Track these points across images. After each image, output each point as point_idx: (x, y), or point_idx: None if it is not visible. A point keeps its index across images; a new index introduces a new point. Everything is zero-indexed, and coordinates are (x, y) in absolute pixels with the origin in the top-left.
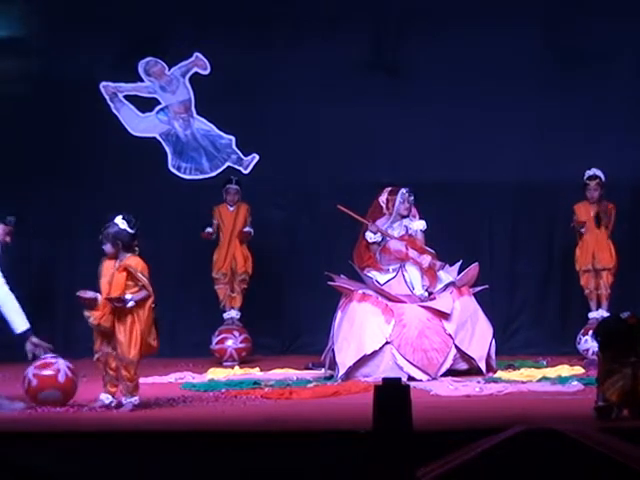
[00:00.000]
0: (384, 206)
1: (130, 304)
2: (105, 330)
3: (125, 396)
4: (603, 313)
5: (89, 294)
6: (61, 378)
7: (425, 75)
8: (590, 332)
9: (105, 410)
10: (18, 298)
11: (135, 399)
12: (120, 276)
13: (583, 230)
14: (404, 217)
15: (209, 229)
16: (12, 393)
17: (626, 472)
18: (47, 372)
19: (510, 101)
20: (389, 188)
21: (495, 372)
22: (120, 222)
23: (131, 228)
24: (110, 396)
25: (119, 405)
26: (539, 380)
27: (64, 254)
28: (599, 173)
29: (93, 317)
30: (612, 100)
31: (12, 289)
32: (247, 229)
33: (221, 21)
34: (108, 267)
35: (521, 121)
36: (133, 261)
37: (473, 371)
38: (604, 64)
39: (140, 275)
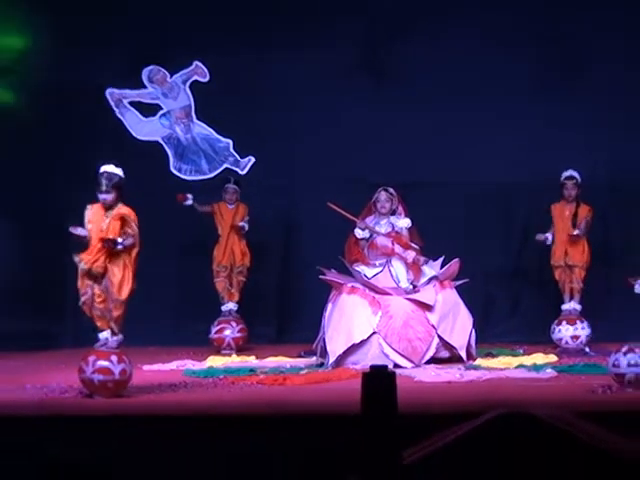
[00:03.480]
0: (372, 205)
1: (119, 247)
2: (96, 274)
3: (112, 335)
4: (575, 305)
5: (79, 230)
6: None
7: (413, 78)
8: (563, 322)
9: (105, 347)
10: (28, 291)
11: (120, 337)
12: (115, 223)
13: (548, 243)
14: (392, 215)
15: (189, 196)
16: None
17: (595, 453)
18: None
19: (493, 106)
20: (380, 188)
21: (475, 360)
22: (117, 170)
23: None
24: (107, 332)
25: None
26: (516, 367)
27: (71, 250)
28: (575, 174)
29: (84, 262)
30: (588, 107)
31: (23, 283)
32: (241, 224)
33: (219, 32)
34: (97, 214)
35: (503, 125)
36: (127, 210)
37: (454, 359)
38: (584, 73)
39: (133, 224)
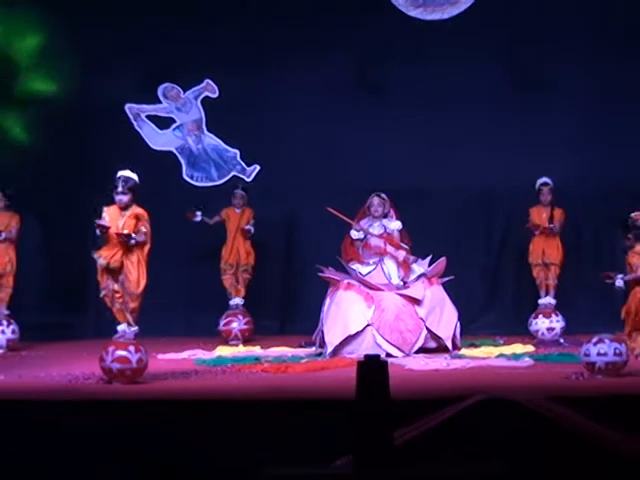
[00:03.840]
0: (366, 209)
1: (132, 242)
2: (113, 269)
3: (129, 326)
4: (551, 300)
5: (103, 221)
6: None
7: (402, 95)
8: (540, 316)
9: (123, 339)
10: (54, 288)
11: (136, 328)
12: (131, 221)
13: (537, 232)
14: (384, 218)
15: (198, 213)
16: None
17: (566, 434)
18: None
19: (474, 119)
20: (373, 194)
21: (460, 350)
22: (133, 175)
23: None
24: (124, 324)
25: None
26: (497, 356)
27: (91, 250)
28: (549, 180)
29: (102, 257)
30: (560, 120)
31: (49, 281)
32: (247, 227)
33: (227, 52)
34: (114, 214)
35: (484, 136)
36: (141, 210)
37: (441, 349)
38: (552, 89)
39: (146, 223)
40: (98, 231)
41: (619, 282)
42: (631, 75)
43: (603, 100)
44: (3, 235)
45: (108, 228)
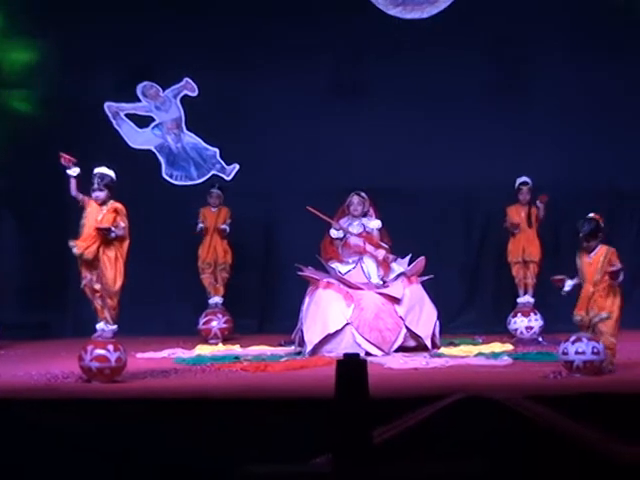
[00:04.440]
0: (346, 207)
1: (112, 235)
2: (87, 260)
3: (107, 323)
4: (529, 299)
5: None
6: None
7: (380, 96)
8: (518, 314)
9: (101, 337)
10: (33, 287)
11: (115, 327)
12: (110, 215)
13: (517, 231)
14: (363, 217)
15: (201, 226)
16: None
17: (544, 432)
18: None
19: (455, 119)
20: (353, 192)
21: (439, 348)
22: (109, 172)
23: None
24: (103, 323)
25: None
26: (475, 355)
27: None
28: (529, 180)
29: (77, 247)
30: (539, 120)
31: (28, 279)
32: (223, 227)
33: (207, 52)
34: (92, 212)
35: (463, 135)
36: (119, 205)
37: (420, 348)
38: (531, 89)
39: (124, 218)
40: (62, 161)
41: (568, 287)
42: (612, 77)
43: (583, 101)
44: None
45: (75, 163)
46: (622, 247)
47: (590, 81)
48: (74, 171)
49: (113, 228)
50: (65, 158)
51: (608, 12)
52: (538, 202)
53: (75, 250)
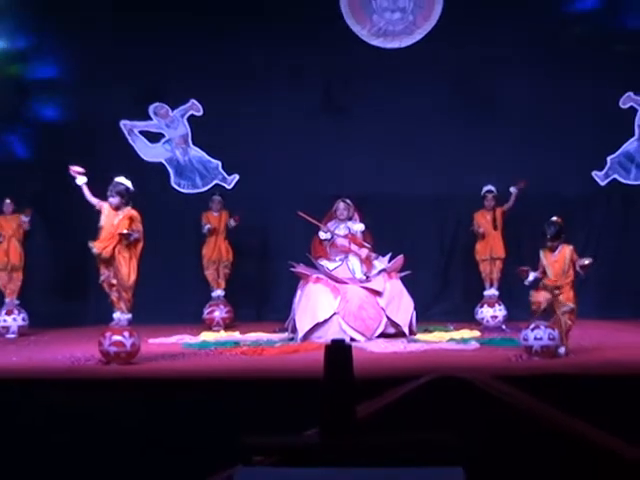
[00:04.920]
0: (333, 212)
1: (131, 238)
2: (104, 259)
3: (123, 313)
4: (494, 291)
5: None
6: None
7: (365, 113)
8: (485, 305)
9: (118, 325)
10: (59, 280)
11: (130, 316)
12: (125, 222)
13: (482, 233)
14: (349, 220)
15: (209, 226)
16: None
17: (508, 407)
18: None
19: (427, 135)
20: (339, 199)
21: (415, 335)
22: (126, 181)
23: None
24: (119, 312)
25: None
26: (447, 341)
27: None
28: (493, 188)
29: (95, 247)
30: (501, 135)
31: (55, 274)
32: (230, 221)
33: (211, 76)
34: (109, 216)
35: (436, 149)
36: (135, 213)
37: (399, 334)
38: (494, 108)
39: (139, 223)
40: (71, 173)
41: (531, 278)
42: (562, 96)
43: (539, 117)
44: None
45: (83, 173)
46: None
47: (544, 98)
48: (80, 180)
49: (132, 233)
50: (73, 170)
51: (556, 41)
52: (513, 188)
53: (94, 250)
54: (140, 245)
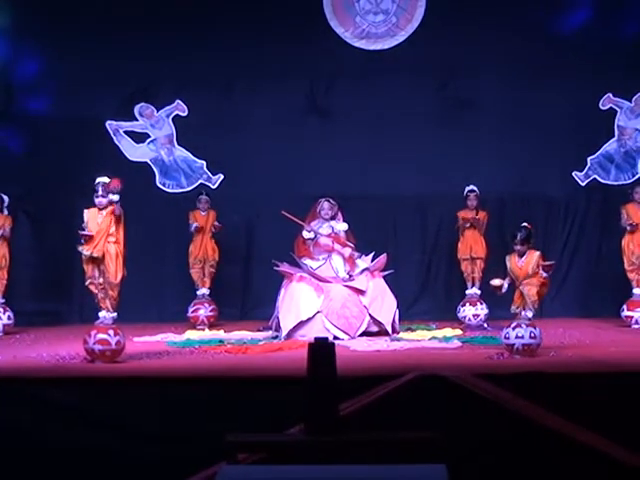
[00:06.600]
0: (317, 212)
1: (117, 212)
2: (96, 258)
3: (108, 312)
4: (476, 290)
5: (86, 232)
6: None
7: (348, 115)
8: (467, 304)
9: (103, 324)
10: (44, 279)
11: (115, 315)
12: (108, 219)
13: (467, 225)
14: (332, 220)
15: (196, 225)
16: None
17: (489, 405)
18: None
19: (411, 136)
20: (322, 199)
21: (398, 333)
22: (108, 181)
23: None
24: (104, 311)
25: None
26: (430, 339)
27: (76, 246)
28: (475, 188)
29: (86, 249)
30: (484, 136)
31: (41, 273)
32: (215, 223)
33: (196, 77)
34: (93, 215)
35: (419, 150)
36: (118, 210)
37: (382, 332)
38: (476, 110)
39: (118, 205)
40: (82, 240)
41: (504, 289)
42: (543, 97)
43: (520, 118)
44: None
45: (91, 237)
46: (555, 247)
47: (525, 100)
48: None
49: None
50: (83, 235)
51: (538, 42)
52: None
53: (85, 252)
54: (121, 245)
